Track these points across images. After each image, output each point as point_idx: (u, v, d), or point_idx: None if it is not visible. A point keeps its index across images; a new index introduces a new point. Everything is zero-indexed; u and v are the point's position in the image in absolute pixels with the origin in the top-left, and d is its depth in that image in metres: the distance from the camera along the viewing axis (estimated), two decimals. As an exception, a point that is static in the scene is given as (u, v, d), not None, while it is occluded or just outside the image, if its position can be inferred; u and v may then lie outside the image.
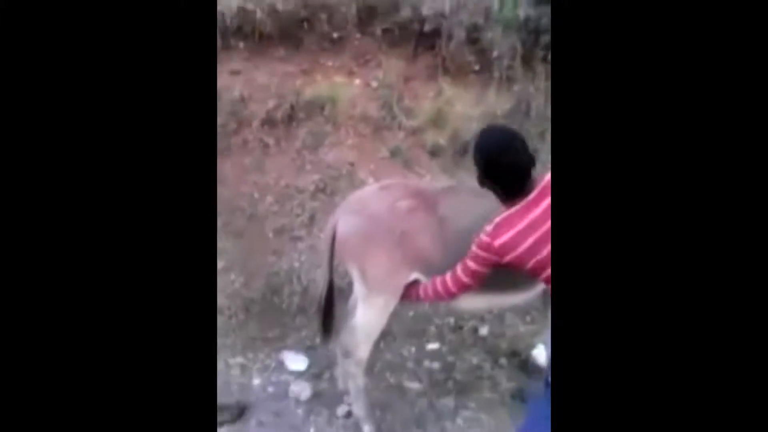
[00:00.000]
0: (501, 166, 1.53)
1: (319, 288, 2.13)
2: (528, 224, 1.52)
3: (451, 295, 1.73)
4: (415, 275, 1.89)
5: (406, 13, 3.78)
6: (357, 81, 3.74)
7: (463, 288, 1.69)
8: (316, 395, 2.23)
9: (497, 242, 1.54)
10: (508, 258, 1.55)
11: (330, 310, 2.07)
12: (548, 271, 1.51)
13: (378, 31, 3.79)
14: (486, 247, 1.57)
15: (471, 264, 1.62)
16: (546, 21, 3.60)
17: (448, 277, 1.70)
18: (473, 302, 1.94)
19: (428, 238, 1.85)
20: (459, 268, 1.67)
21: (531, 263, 1.53)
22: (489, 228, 1.57)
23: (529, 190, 1.54)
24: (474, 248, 1.61)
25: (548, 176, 1.54)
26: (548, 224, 1.48)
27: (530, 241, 1.52)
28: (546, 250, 1.50)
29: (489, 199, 1.69)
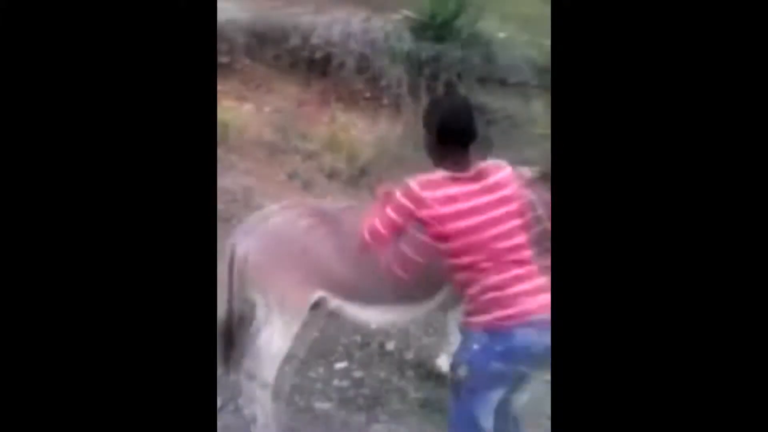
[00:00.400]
0: (457, 127, 1.54)
1: (220, 316, 2.03)
2: (465, 196, 1.49)
3: (373, 241, 1.58)
4: (319, 293, 1.89)
5: (295, 40, 3.91)
6: (248, 106, 3.74)
7: (379, 237, 1.57)
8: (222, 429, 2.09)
9: (422, 193, 1.48)
10: (424, 213, 1.48)
11: (231, 339, 1.98)
12: (464, 261, 1.49)
13: (268, 57, 3.85)
14: (407, 193, 1.50)
15: (389, 212, 1.53)
16: (425, 55, 3.92)
17: (369, 222, 1.59)
18: (381, 317, 2.04)
19: (331, 256, 1.87)
20: (377, 217, 1.57)
21: (452, 239, 1.48)
22: (419, 178, 1.53)
23: (468, 162, 1.53)
24: (396, 194, 1.53)
25: (503, 168, 1.57)
26: (493, 217, 1.48)
27: (463, 214, 1.48)
28: (477, 238, 1.47)
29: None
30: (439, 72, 4.03)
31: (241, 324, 1.99)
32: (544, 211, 1.89)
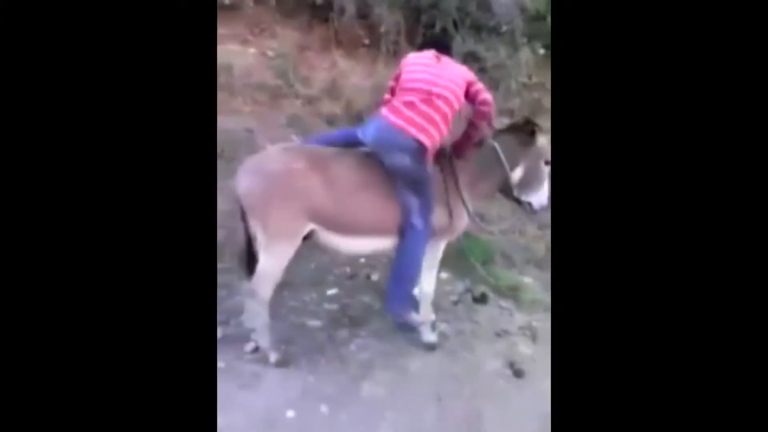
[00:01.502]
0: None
1: (240, 239, 2.35)
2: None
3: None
4: (311, 226, 2.20)
5: (298, -16, 3.95)
6: (252, 50, 3.85)
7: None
8: (224, 338, 2.43)
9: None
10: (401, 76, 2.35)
11: (252, 255, 2.28)
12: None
13: (272, 2, 3.92)
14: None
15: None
16: (423, 2, 4.00)
17: None
18: (361, 245, 2.38)
19: (320, 194, 2.16)
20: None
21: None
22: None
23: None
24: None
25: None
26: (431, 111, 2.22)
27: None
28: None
29: (373, 163, 2.24)
30: (435, 20, 4.11)
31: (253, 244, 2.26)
32: (506, 159, 2.45)
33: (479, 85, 2.37)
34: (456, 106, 2.29)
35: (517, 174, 2.53)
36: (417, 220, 2.27)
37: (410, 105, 2.24)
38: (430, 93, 2.23)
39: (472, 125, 2.40)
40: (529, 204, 2.60)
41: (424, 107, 2.23)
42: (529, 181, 2.55)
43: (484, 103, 2.33)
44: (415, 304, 2.55)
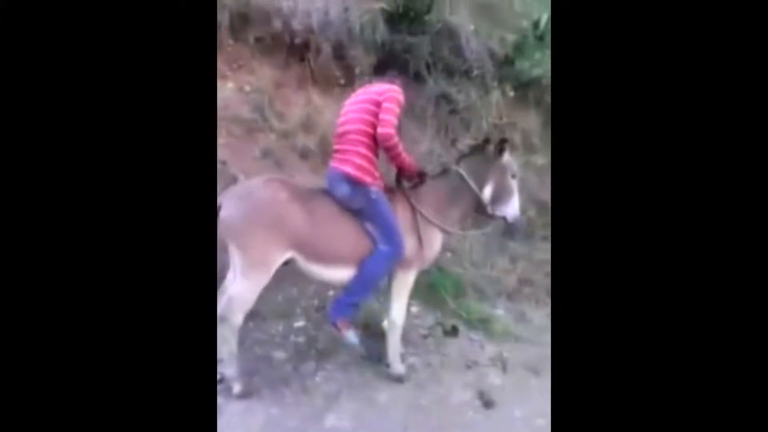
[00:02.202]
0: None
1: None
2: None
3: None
4: (290, 254, 2.26)
5: (277, 24, 4.06)
6: (230, 84, 3.92)
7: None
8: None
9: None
10: None
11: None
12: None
13: (251, 39, 4.03)
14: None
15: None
16: (398, 46, 4.17)
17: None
18: (338, 275, 2.40)
19: (301, 224, 2.23)
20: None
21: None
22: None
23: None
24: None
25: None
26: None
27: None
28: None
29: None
30: (409, 63, 4.26)
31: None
32: (474, 180, 2.59)
33: (385, 112, 2.32)
34: (369, 129, 2.36)
35: (487, 192, 2.61)
36: (382, 246, 2.35)
37: (336, 149, 2.47)
38: (342, 132, 2.44)
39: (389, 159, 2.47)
40: (503, 218, 2.70)
41: (344, 146, 2.41)
42: (499, 197, 2.64)
43: (380, 139, 2.34)
44: (356, 323, 2.59)
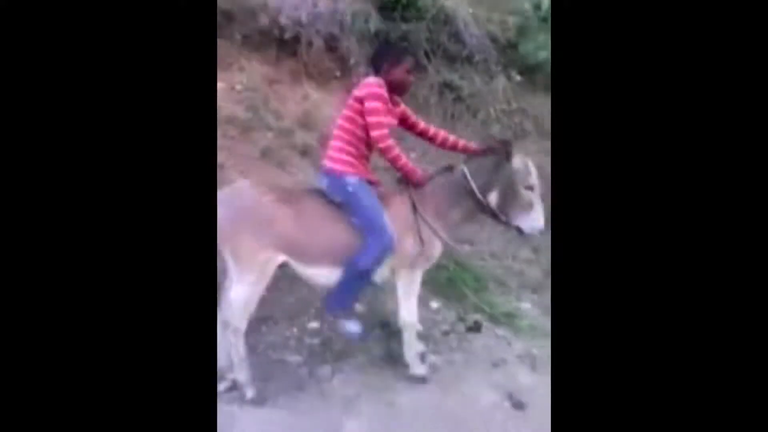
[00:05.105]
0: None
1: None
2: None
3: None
4: (282, 257, 2.17)
5: (264, 20, 3.93)
6: (220, 84, 3.77)
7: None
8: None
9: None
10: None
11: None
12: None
13: (237, 37, 3.89)
14: None
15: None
16: (393, 34, 4.02)
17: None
18: (331, 276, 2.27)
19: (290, 226, 2.16)
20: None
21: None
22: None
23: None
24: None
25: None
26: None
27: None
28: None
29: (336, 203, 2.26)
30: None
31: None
32: (477, 183, 2.38)
33: (369, 114, 2.24)
34: (347, 125, 2.31)
35: (492, 198, 2.37)
36: (369, 238, 2.23)
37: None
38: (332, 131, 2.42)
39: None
40: (518, 228, 2.43)
41: (330, 143, 2.40)
42: (508, 205, 2.38)
43: (376, 145, 2.30)
44: (355, 314, 2.47)
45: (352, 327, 2.35)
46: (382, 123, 2.25)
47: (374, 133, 2.24)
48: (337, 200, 2.29)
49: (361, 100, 2.25)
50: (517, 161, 2.38)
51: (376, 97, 2.23)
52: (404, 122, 2.54)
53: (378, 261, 2.24)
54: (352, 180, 2.27)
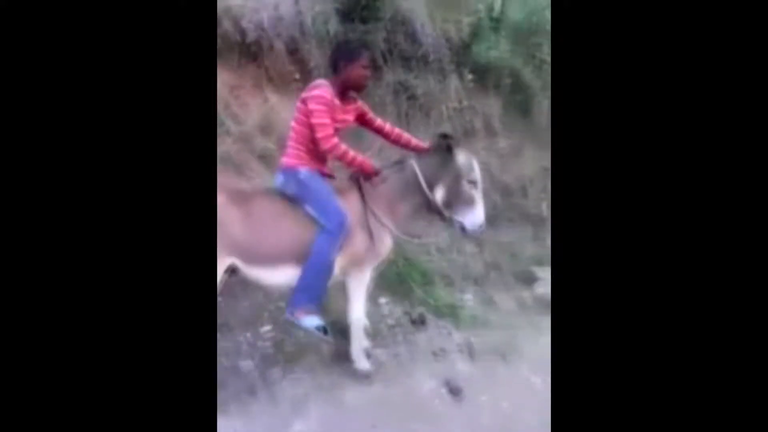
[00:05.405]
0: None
1: None
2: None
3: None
4: (231, 260, 2.23)
5: (227, 25, 3.99)
6: (180, 93, 3.86)
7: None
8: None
9: None
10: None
11: None
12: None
13: (200, 43, 3.95)
14: None
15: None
16: (352, 36, 4.13)
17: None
18: (280, 277, 2.39)
19: (239, 228, 2.21)
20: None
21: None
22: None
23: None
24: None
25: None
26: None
27: None
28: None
29: (294, 204, 2.36)
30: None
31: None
32: (425, 178, 2.52)
33: (314, 117, 2.34)
34: (296, 125, 2.46)
35: (438, 194, 2.53)
36: (323, 220, 2.34)
37: None
38: None
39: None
40: (461, 225, 2.59)
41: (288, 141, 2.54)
42: (452, 201, 2.54)
43: (326, 151, 2.41)
44: (318, 308, 2.47)
45: (313, 322, 2.37)
46: (326, 124, 2.31)
47: (318, 135, 2.32)
48: (290, 193, 2.38)
49: (305, 102, 2.35)
50: (462, 157, 2.54)
51: (318, 99, 2.31)
52: (361, 118, 2.63)
53: (336, 242, 2.32)
54: (303, 170, 2.40)
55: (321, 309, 2.46)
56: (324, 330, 2.43)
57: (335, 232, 2.33)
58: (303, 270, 2.33)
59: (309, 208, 2.38)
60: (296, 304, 2.37)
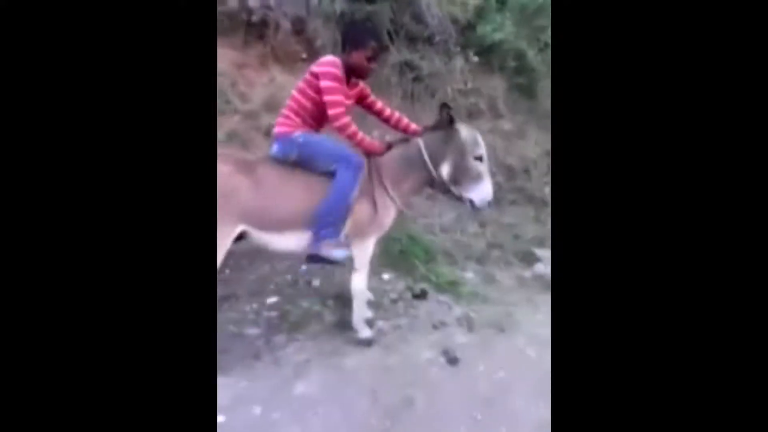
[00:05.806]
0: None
1: None
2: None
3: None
4: (241, 227, 2.29)
5: (233, 3, 4.05)
6: (187, 70, 3.92)
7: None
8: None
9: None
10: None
11: None
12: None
13: (207, 22, 3.99)
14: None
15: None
16: (358, 15, 4.16)
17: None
18: (291, 242, 2.43)
19: (248, 195, 2.25)
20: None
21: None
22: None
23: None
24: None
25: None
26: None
27: None
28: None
29: (297, 169, 2.38)
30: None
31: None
32: (430, 156, 2.54)
33: (326, 93, 2.33)
34: (298, 95, 2.46)
35: (444, 171, 2.54)
36: (336, 166, 2.37)
37: None
38: None
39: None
40: (470, 201, 2.58)
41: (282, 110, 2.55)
42: (459, 178, 2.54)
43: (332, 122, 2.40)
44: (341, 243, 2.47)
45: (340, 254, 2.40)
46: (338, 101, 2.31)
47: (331, 112, 2.31)
48: (292, 159, 2.37)
49: (317, 76, 2.34)
50: (465, 132, 2.55)
51: (332, 76, 2.30)
52: (362, 101, 2.63)
53: (356, 177, 2.35)
54: (299, 133, 2.40)
55: (339, 240, 2.47)
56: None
57: (355, 166, 2.37)
58: (325, 206, 2.35)
59: (319, 164, 2.38)
60: (323, 238, 2.38)
